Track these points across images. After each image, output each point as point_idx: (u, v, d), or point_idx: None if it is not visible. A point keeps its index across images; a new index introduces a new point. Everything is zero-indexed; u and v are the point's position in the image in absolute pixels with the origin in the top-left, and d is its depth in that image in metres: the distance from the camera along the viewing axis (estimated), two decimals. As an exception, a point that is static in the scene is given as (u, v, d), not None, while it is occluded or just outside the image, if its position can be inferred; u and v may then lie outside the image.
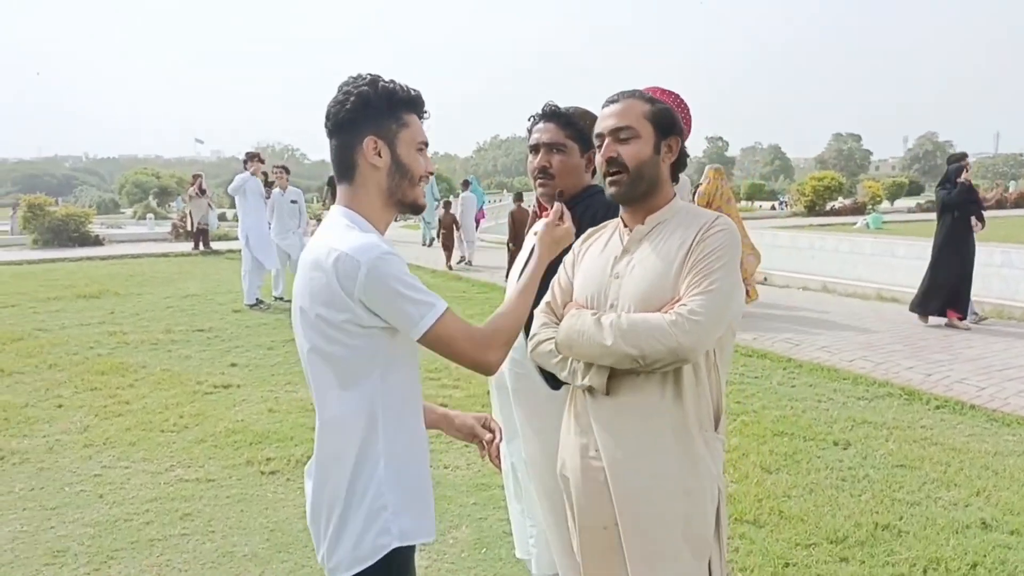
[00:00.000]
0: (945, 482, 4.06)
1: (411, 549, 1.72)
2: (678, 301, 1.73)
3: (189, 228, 18.28)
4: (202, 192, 18.13)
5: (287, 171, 10.24)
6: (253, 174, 9.90)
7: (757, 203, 43.25)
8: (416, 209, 1.81)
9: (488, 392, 2.69)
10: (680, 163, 1.92)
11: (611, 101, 1.89)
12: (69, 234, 18.87)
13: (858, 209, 28.51)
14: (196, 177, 19.24)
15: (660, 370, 1.74)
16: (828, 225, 23.24)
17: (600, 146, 1.88)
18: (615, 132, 1.84)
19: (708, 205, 12.03)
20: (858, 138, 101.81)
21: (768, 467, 4.30)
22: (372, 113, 1.70)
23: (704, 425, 1.81)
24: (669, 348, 1.67)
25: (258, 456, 4.50)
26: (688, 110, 1.93)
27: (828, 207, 29.13)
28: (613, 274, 1.87)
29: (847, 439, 4.70)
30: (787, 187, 46.22)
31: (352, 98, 1.69)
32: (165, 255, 16.67)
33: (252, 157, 10.07)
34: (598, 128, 1.89)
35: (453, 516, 3.76)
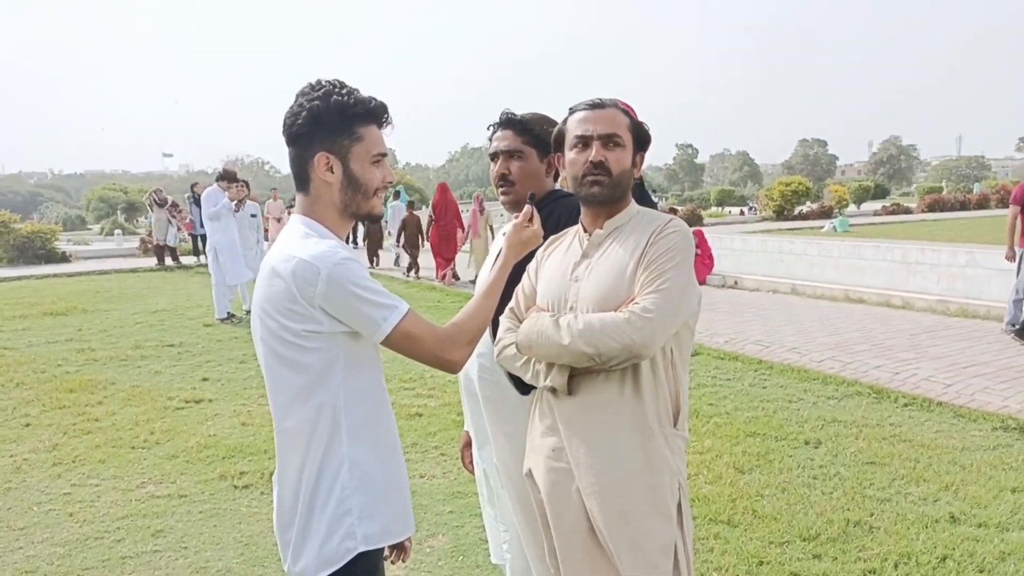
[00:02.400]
0: (914, 478, 4.13)
1: (378, 553, 1.73)
2: (632, 300, 1.78)
3: (156, 243, 17.65)
4: (160, 204, 17.26)
5: (247, 184, 10.16)
6: (235, 200, 9.68)
7: (727, 208, 43.72)
8: (373, 219, 1.84)
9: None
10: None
11: (595, 106, 1.93)
12: (35, 251, 18.57)
13: (825, 213, 28.92)
14: (155, 192, 18.26)
15: (617, 367, 1.78)
16: (796, 229, 23.49)
17: (579, 147, 1.91)
18: (605, 138, 1.89)
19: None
20: (824, 144, 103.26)
21: (741, 467, 4.35)
22: (323, 128, 1.69)
23: (663, 421, 1.85)
24: (623, 345, 1.72)
25: (231, 470, 4.46)
26: (644, 124, 2.01)
27: (796, 211, 29.47)
28: (573, 277, 1.92)
29: (818, 438, 4.77)
30: (756, 192, 46.75)
31: (304, 112, 1.68)
32: (134, 271, 16.44)
33: (230, 178, 9.91)
34: (580, 130, 1.91)
35: (430, 524, 3.76)
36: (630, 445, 1.83)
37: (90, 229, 38.95)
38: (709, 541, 3.50)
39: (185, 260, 17.67)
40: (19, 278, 15.38)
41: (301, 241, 1.67)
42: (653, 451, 1.83)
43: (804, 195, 29.89)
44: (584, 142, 1.90)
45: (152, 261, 17.79)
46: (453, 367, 1.74)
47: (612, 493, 1.82)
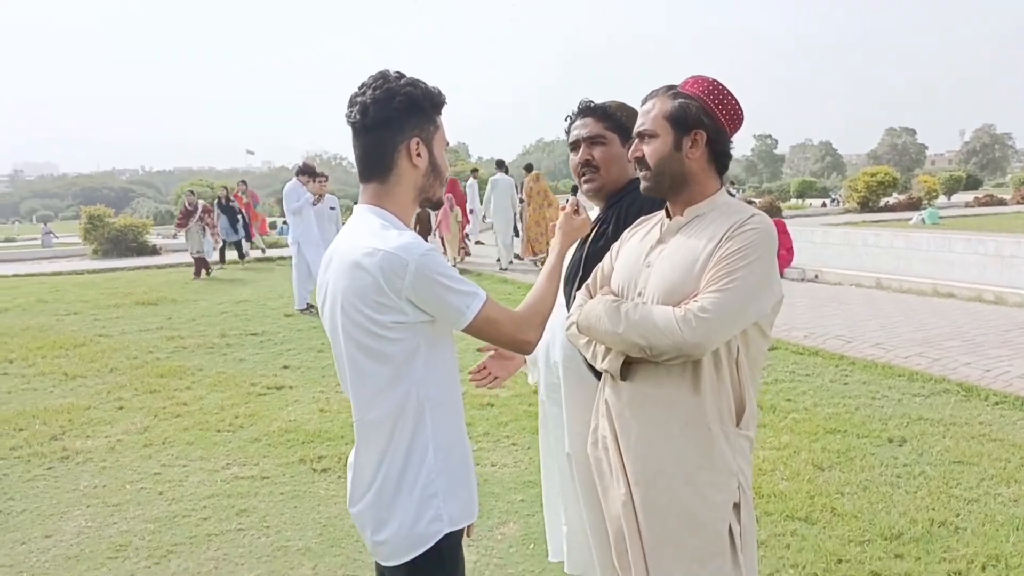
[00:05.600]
0: (1004, 478, 3.95)
1: (460, 533, 1.78)
2: (695, 295, 1.74)
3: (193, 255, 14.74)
4: (191, 212, 14.81)
5: (326, 178, 10.38)
6: (316, 195, 9.95)
7: (808, 200, 42.43)
8: (437, 205, 1.90)
9: (535, 391, 2.71)
10: (720, 154, 1.91)
11: (643, 101, 1.94)
12: (128, 244, 19.48)
13: (913, 205, 27.71)
14: (189, 195, 15.80)
15: (670, 362, 1.76)
16: (882, 221, 22.68)
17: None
18: (640, 133, 1.90)
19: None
20: (912, 132, 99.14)
21: (820, 464, 4.24)
22: (417, 113, 1.73)
23: (724, 419, 1.81)
24: (674, 343, 1.70)
25: (310, 454, 4.59)
26: (726, 99, 1.87)
27: (882, 203, 28.42)
28: (646, 263, 1.90)
29: (902, 436, 4.60)
30: (839, 183, 45.23)
31: (399, 97, 1.70)
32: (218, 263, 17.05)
33: (310, 172, 10.15)
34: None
35: (501, 513, 3.79)
36: (683, 439, 1.80)
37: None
38: (786, 538, 3.43)
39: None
40: (113, 269, 16.18)
41: (381, 232, 1.68)
42: (711, 449, 1.80)
43: (891, 186, 28.77)
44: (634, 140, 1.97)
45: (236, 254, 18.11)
46: (528, 347, 1.79)
47: (658, 486, 1.82)
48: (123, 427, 5.28)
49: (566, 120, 2.38)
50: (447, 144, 1.84)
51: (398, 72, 1.75)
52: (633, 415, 1.86)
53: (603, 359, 1.87)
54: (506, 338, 1.75)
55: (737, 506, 1.83)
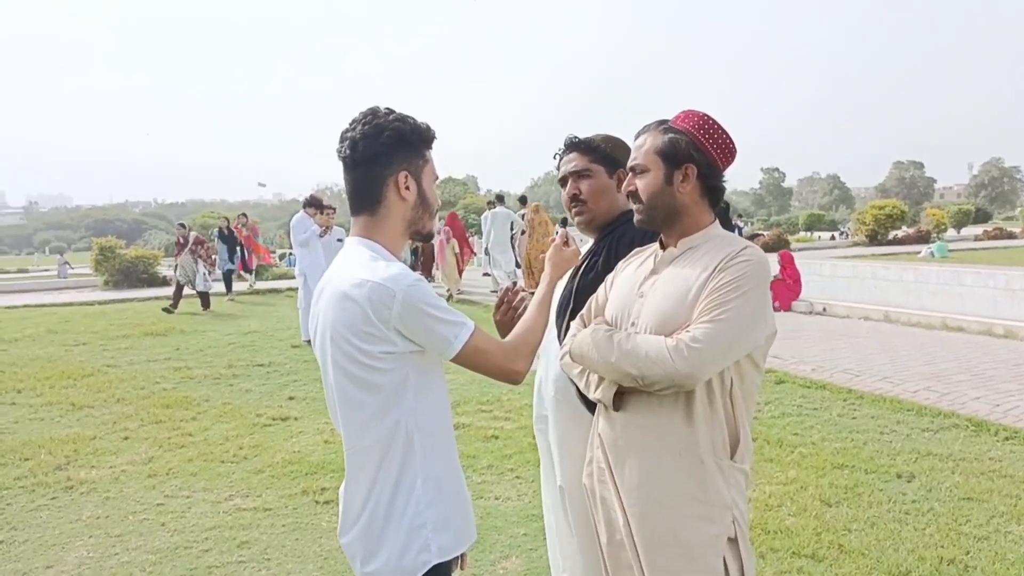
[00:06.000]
0: (1015, 515, 3.89)
1: (449, 564, 1.77)
2: (687, 326, 1.75)
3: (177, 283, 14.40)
4: (183, 245, 14.63)
5: (333, 210, 10.45)
6: (323, 227, 10.02)
7: (816, 233, 42.41)
8: (427, 238, 1.92)
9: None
10: (712, 188, 1.91)
11: (636, 135, 1.98)
12: (138, 275, 19.61)
13: (922, 238, 27.71)
14: (180, 228, 15.95)
15: (662, 392, 1.76)
16: (891, 255, 22.64)
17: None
18: (632, 168, 1.94)
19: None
20: (920, 166, 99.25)
21: (827, 500, 4.19)
22: (405, 148, 1.78)
23: (718, 452, 1.80)
24: (666, 372, 1.70)
25: (313, 486, 4.58)
26: (717, 133, 1.89)
27: (891, 236, 28.40)
28: (639, 292, 1.92)
29: (911, 471, 4.55)
30: (848, 216, 45.22)
31: (387, 132, 1.75)
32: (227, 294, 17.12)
33: (317, 205, 10.23)
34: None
35: (503, 547, 3.76)
36: (676, 471, 1.80)
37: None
38: (791, 575, 3.38)
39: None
40: (123, 300, 16.27)
41: (370, 264, 1.72)
42: (705, 481, 1.79)
43: (899, 219, 28.75)
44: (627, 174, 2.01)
45: (244, 284, 18.22)
46: (517, 377, 1.80)
47: (653, 517, 1.81)
48: (128, 457, 5.27)
49: (554, 157, 2.44)
50: (437, 178, 1.88)
51: (388, 108, 1.81)
52: (627, 445, 1.86)
53: (596, 389, 1.88)
54: (495, 368, 1.77)
55: (733, 540, 1.81)
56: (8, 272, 34.32)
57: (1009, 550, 3.52)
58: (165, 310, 13.48)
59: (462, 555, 1.89)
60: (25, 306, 15.84)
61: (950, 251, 22.26)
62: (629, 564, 1.86)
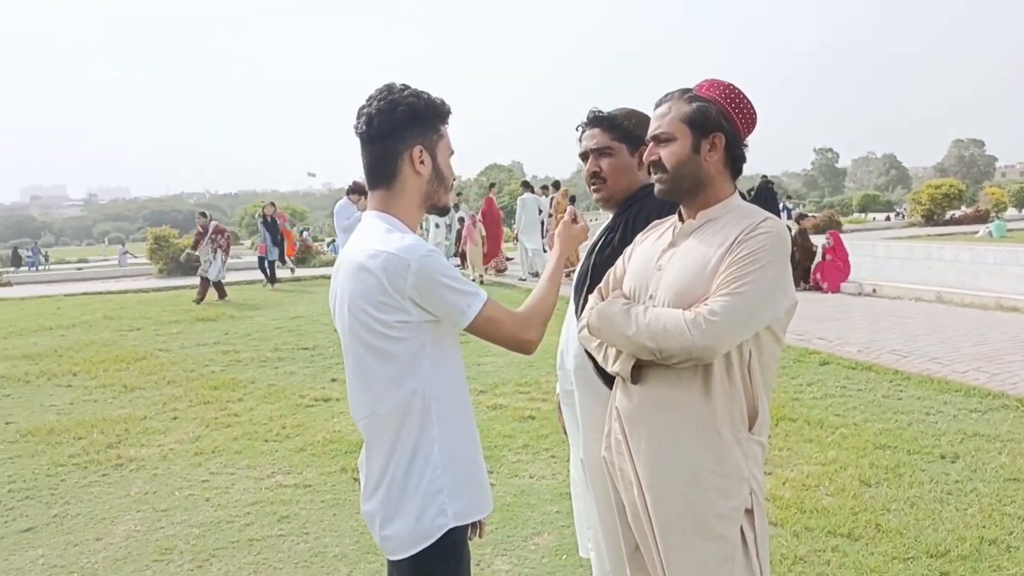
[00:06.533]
0: (1063, 496, 3.78)
1: (465, 528, 1.80)
2: (706, 299, 1.73)
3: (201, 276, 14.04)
4: (203, 234, 14.26)
5: (366, 194, 10.51)
6: (352, 202, 10.19)
7: (871, 215, 41.36)
8: (443, 211, 1.95)
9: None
10: (735, 157, 1.90)
11: (657, 104, 1.93)
12: (192, 264, 20.08)
13: (980, 217, 26.80)
14: (201, 217, 15.19)
15: (680, 365, 1.75)
16: (948, 235, 22.00)
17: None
18: (656, 136, 1.89)
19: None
20: (981, 143, 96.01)
21: (867, 480, 4.12)
22: (419, 123, 1.81)
23: (736, 424, 1.79)
24: (683, 346, 1.69)
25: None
26: (742, 102, 1.86)
27: (948, 216, 27.58)
28: (657, 266, 1.89)
29: (955, 452, 4.45)
30: (904, 196, 44.01)
31: (401, 108, 1.78)
32: (279, 280, 17.43)
33: (360, 191, 10.35)
34: (647, 131, 1.94)
35: (536, 523, 3.79)
36: (694, 444, 1.79)
37: (242, 243, 41.62)
38: (826, 554, 3.34)
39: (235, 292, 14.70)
40: (176, 288, 16.73)
41: (385, 236, 1.75)
42: (722, 453, 1.78)
43: (957, 198, 27.92)
44: (648, 143, 1.95)
45: (292, 272, 18.50)
46: (530, 347, 1.83)
47: (670, 490, 1.80)
48: (176, 436, 5.44)
49: (576, 130, 2.40)
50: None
51: (403, 84, 1.83)
52: (644, 418, 1.85)
53: (614, 361, 1.87)
54: (507, 337, 1.80)
55: (750, 512, 1.80)
56: (69, 262, 35.47)
57: (1054, 531, 3.42)
58: (195, 301, 13.37)
59: (480, 523, 1.92)
60: (84, 294, 16.41)
61: (1009, 231, 21.53)
62: (646, 536, 1.86)
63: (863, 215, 41.28)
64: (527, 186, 17.00)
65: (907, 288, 10.64)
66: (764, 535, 1.83)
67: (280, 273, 17.18)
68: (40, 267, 36.62)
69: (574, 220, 2.17)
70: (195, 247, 14.60)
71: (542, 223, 15.62)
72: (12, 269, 31.46)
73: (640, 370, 1.84)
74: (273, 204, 18.53)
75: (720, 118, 1.84)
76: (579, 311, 2.23)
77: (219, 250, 14.06)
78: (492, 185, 21.75)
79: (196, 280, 14.30)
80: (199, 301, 13.43)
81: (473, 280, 15.62)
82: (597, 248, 2.30)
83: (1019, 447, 4.46)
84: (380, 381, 1.76)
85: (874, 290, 10.97)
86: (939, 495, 3.88)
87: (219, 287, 13.94)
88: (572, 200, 15.26)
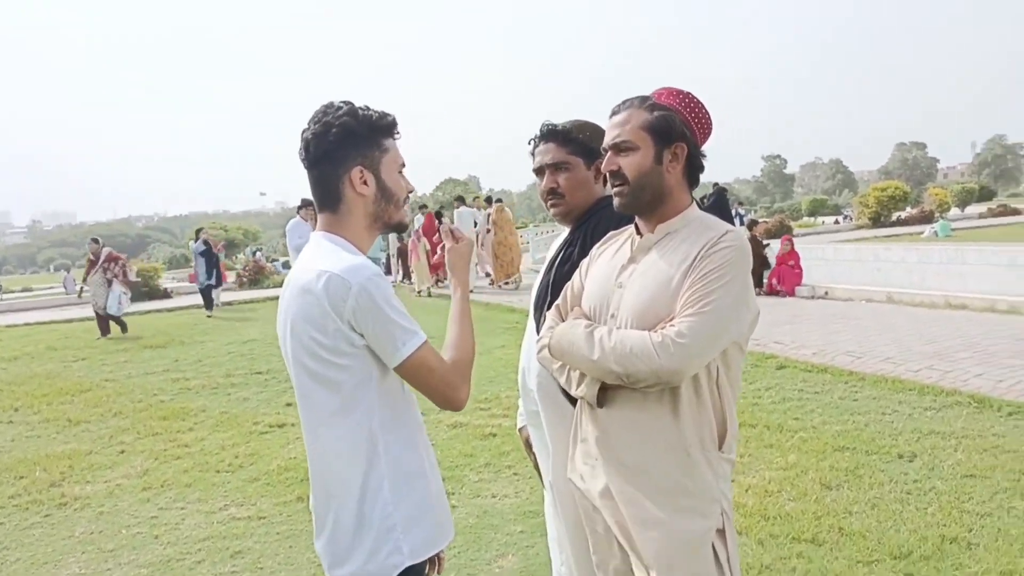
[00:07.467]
0: (1019, 491, 3.81)
1: (423, 565, 1.71)
2: (671, 319, 1.67)
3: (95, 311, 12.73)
4: (93, 262, 12.74)
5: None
6: (304, 220, 10.07)
7: (820, 218, 42.23)
8: (400, 229, 1.84)
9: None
10: (695, 167, 1.85)
11: (614, 112, 1.85)
12: (140, 288, 19.59)
13: (925, 218, 27.53)
14: (92, 243, 13.47)
15: (647, 388, 1.69)
16: (894, 236, 22.53)
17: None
18: (615, 145, 1.81)
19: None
20: (923, 146, 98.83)
21: (828, 483, 4.12)
22: (356, 143, 1.71)
23: (706, 444, 1.73)
24: (651, 370, 1.63)
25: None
26: (701, 111, 1.82)
27: (894, 218, 28.27)
28: (617, 283, 1.82)
29: (913, 451, 4.48)
30: (850, 200, 45.05)
31: (334, 129, 1.69)
32: (229, 303, 17.12)
33: (310, 203, 10.22)
34: (604, 140, 1.86)
35: (500, 545, 3.70)
36: (664, 466, 1.72)
37: (192, 267, 40.84)
38: (791, 561, 3.32)
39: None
40: (125, 314, 16.21)
41: (330, 256, 1.66)
42: (693, 475, 1.72)
43: (902, 200, 28.66)
44: (605, 152, 1.86)
45: (247, 294, 18.23)
46: (460, 405, 1.72)
47: (639, 514, 1.73)
48: (123, 471, 5.23)
49: (529, 143, 2.33)
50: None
51: (344, 101, 1.73)
52: (612, 442, 1.78)
53: (578, 385, 1.79)
54: (437, 390, 1.68)
55: (721, 531, 1.75)
56: (13, 291, 34.39)
57: (1012, 526, 3.45)
58: (98, 338, 12.26)
59: (439, 557, 1.84)
60: (26, 324, 15.87)
61: (953, 230, 22.14)
62: (617, 559, 1.80)
63: (812, 219, 42.14)
64: (461, 200, 17.74)
65: (858, 290, 10.82)
66: (735, 551, 1.78)
67: (226, 296, 16.52)
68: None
69: (454, 238, 1.97)
70: (85, 278, 13.01)
71: (476, 236, 15.69)
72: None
73: (606, 393, 1.76)
74: (202, 229, 17.41)
75: (682, 127, 1.80)
76: (539, 327, 2.15)
77: (114, 280, 12.54)
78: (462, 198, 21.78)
79: (146, 306, 13.55)
80: (100, 337, 12.29)
81: (420, 293, 15.65)
82: (556, 263, 2.23)
83: (974, 443, 4.52)
84: (324, 410, 1.67)
85: (826, 293, 11.14)
86: (899, 495, 3.90)
87: (119, 322, 12.57)
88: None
